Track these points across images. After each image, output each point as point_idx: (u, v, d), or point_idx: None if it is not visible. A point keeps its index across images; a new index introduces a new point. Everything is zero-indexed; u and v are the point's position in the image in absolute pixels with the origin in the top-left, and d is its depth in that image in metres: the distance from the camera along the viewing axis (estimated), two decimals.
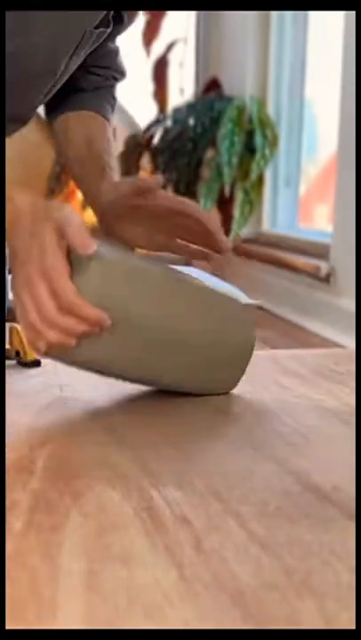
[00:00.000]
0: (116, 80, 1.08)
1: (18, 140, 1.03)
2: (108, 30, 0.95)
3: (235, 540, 0.50)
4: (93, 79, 1.05)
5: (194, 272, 0.87)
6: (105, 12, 0.91)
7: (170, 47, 4.15)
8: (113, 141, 1.03)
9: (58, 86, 0.95)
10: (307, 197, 3.81)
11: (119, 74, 1.08)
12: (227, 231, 3.49)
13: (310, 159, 3.78)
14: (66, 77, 0.95)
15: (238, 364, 0.84)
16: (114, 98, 1.08)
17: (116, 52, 1.06)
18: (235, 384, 0.84)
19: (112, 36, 1.01)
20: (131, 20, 1.00)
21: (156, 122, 4.23)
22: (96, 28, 0.92)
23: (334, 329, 2.89)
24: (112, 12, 0.94)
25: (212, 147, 3.79)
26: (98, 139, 1.00)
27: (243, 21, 3.79)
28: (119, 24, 0.98)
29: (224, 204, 3.66)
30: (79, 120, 1.03)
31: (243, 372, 0.84)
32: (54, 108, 1.05)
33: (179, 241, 0.90)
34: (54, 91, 0.96)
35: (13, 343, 0.96)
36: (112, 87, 1.08)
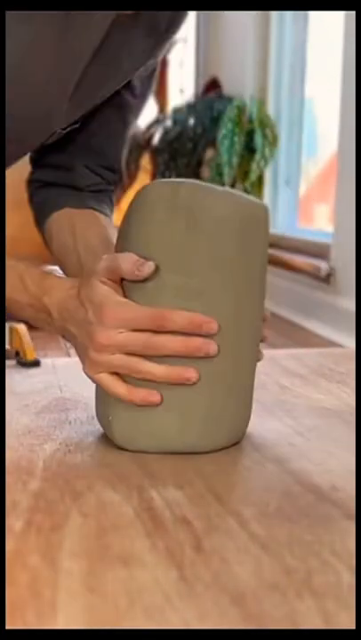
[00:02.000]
0: (115, 185, 1.01)
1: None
2: (75, 126, 0.90)
3: (235, 540, 0.50)
4: (96, 180, 0.99)
5: None
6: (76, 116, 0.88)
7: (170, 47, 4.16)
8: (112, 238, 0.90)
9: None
10: (307, 197, 3.81)
11: (119, 179, 1.01)
12: None
13: (310, 159, 3.78)
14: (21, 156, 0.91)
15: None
16: (112, 202, 1.01)
17: (121, 152, 0.99)
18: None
19: (123, 125, 0.96)
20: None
21: (156, 122, 4.24)
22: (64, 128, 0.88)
23: (334, 329, 2.89)
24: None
25: (212, 147, 3.79)
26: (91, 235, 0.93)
27: (243, 21, 3.79)
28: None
29: None
30: (82, 216, 0.96)
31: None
32: (50, 205, 0.98)
33: None
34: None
35: (13, 343, 0.96)
36: (111, 192, 1.01)
